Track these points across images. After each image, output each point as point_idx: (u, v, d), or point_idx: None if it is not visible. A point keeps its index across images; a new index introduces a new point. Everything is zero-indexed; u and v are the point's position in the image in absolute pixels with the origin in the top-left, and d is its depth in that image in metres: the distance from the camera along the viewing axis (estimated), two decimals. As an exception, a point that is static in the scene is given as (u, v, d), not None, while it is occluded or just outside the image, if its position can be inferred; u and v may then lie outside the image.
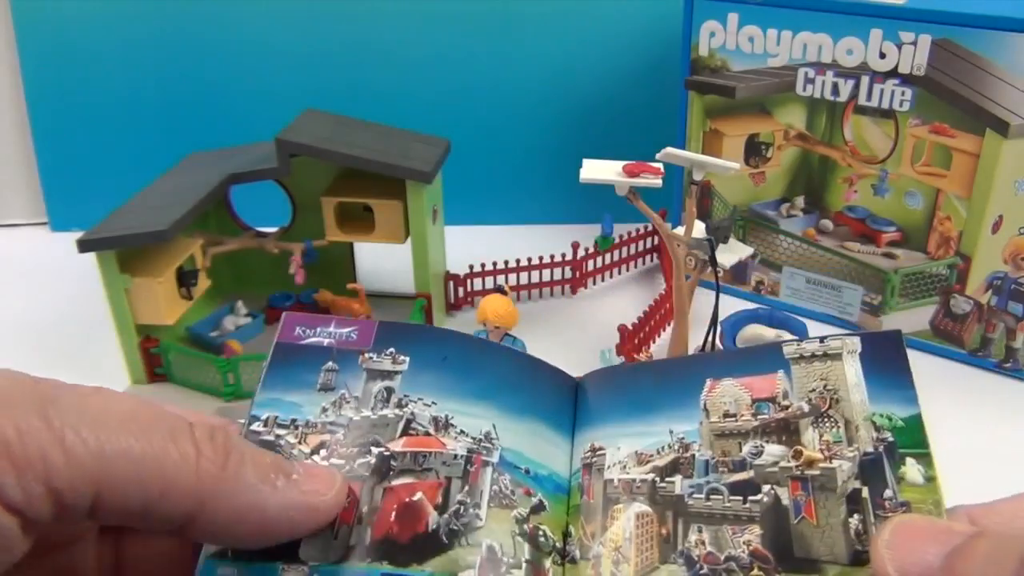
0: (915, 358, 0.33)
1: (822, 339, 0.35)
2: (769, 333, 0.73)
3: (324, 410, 0.36)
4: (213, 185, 0.70)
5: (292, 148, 0.70)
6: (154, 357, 0.70)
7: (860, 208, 0.75)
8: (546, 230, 0.96)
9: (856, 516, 0.31)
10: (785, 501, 0.32)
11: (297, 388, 0.36)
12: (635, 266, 0.91)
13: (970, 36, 0.65)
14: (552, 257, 0.85)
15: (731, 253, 0.70)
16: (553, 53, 0.93)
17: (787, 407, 0.34)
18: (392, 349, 0.37)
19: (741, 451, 0.34)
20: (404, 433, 0.35)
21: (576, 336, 0.79)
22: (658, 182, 0.64)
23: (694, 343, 0.70)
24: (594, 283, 0.88)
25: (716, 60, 0.77)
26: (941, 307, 0.74)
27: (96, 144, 0.95)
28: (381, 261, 0.83)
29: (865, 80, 0.70)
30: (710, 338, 0.67)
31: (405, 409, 0.36)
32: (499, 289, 0.78)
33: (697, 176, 0.65)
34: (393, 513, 0.32)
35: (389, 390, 0.36)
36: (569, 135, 0.96)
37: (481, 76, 0.93)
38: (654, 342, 0.77)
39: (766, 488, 0.33)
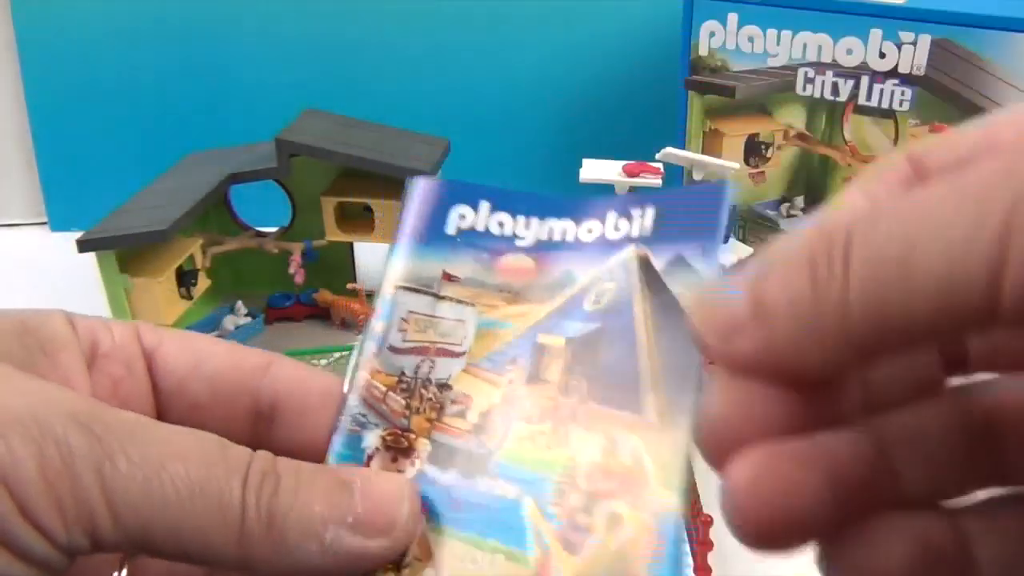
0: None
1: None
2: None
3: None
4: (213, 185, 0.70)
5: (292, 148, 0.70)
6: (154, 357, 0.70)
7: (860, 208, 0.75)
8: (546, 230, 0.96)
9: None
10: None
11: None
12: (635, 266, 0.91)
13: (970, 36, 0.65)
14: (552, 257, 0.85)
15: (731, 253, 0.70)
16: (553, 53, 0.93)
17: None
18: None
19: None
20: None
21: (576, 336, 0.79)
22: (658, 182, 0.64)
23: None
24: (594, 283, 0.88)
25: (716, 60, 0.77)
26: (941, 307, 0.74)
27: (96, 144, 0.95)
28: (381, 261, 0.83)
29: (865, 80, 0.70)
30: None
31: None
32: (499, 289, 0.78)
33: (697, 176, 0.65)
34: None
35: None
36: (569, 135, 0.96)
37: (481, 76, 0.93)
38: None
39: None
